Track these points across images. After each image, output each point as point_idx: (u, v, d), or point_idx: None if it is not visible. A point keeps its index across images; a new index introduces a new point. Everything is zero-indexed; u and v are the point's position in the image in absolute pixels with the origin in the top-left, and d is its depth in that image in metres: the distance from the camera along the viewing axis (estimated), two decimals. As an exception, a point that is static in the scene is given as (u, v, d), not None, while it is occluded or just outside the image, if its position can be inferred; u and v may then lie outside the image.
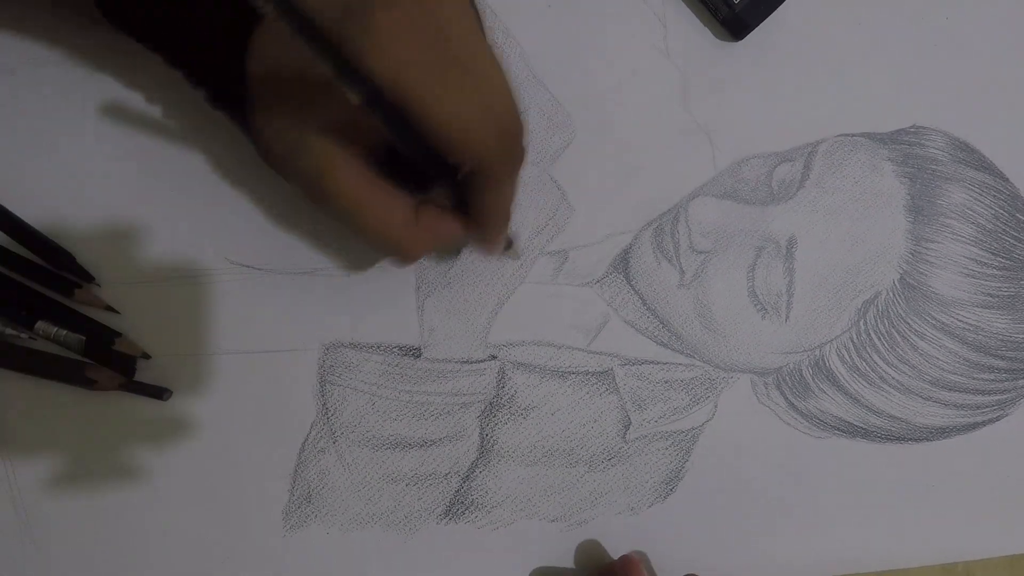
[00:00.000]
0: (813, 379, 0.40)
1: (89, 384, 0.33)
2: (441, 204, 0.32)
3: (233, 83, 0.31)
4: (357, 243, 0.37)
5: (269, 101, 0.31)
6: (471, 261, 0.38)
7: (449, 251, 0.37)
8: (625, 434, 0.38)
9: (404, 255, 0.33)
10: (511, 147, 0.30)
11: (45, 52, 0.36)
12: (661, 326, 0.39)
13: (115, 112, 0.35)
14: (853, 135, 0.42)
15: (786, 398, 0.40)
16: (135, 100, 0.36)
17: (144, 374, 0.35)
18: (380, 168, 0.31)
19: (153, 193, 0.36)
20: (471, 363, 0.37)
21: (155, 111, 0.36)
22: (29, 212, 0.35)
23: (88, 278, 0.35)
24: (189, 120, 0.36)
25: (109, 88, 0.36)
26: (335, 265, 0.37)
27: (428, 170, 0.31)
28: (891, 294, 0.40)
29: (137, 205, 0.36)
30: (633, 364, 0.39)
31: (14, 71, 0.36)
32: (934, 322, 0.40)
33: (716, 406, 0.39)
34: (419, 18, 0.26)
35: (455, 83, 0.27)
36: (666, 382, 0.39)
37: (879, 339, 0.40)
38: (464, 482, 0.37)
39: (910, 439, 0.41)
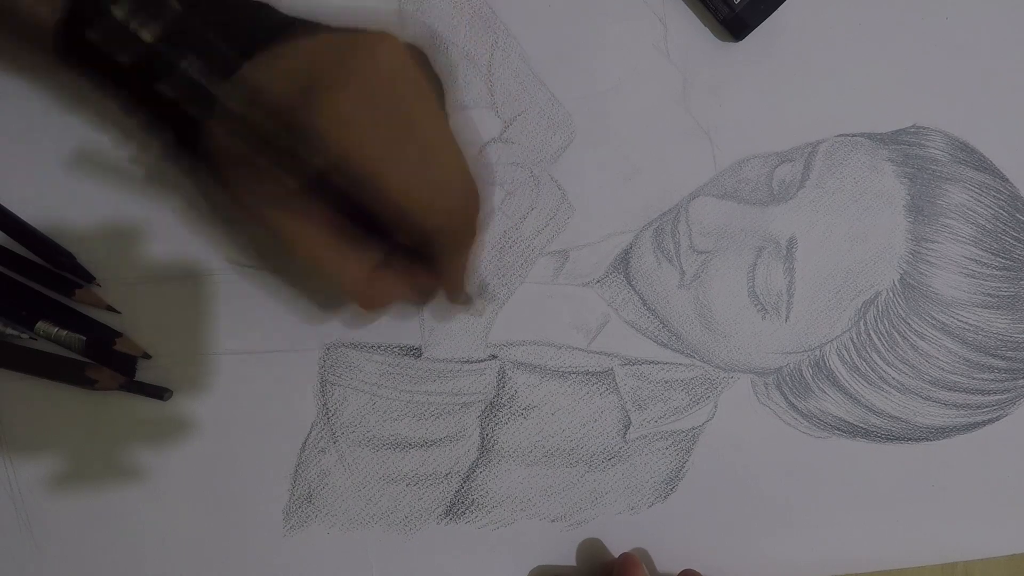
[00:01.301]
0: (813, 379, 0.40)
1: (90, 384, 0.33)
2: (402, 259, 0.33)
3: (188, 146, 0.31)
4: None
5: (226, 171, 0.31)
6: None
7: (412, 303, 0.37)
8: (625, 434, 0.38)
9: (361, 308, 0.33)
10: (462, 225, 0.31)
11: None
12: (661, 326, 0.39)
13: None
14: (853, 135, 0.42)
15: (786, 398, 0.40)
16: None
17: (145, 374, 0.35)
18: (346, 217, 0.31)
19: (154, 193, 0.36)
20: (472, 363, 0.37)
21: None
22: (29, 212, 0.35)
23: (88, 278, 0.35)
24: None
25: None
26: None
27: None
28: (891, 294, 0.40)
29: (138, 205, 0.36)
30: (633, 364, 0.39)
31: (14, 70, 0.35)
32: (934, 322, 0.40)
33: (716, 406, 0.39)
34: (372, 97, 0.27)
35: (406, 162, 0.28)
36: (666, 382, 0.39)
37: (879, 339, 0.40)
38: (464, 482, 0.37)
39: (910, 439, 0.41)
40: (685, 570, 0.37)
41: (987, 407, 0.41)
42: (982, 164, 0.42)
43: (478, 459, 0.37)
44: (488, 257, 0.38)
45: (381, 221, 0.30)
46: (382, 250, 0.32)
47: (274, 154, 0.28)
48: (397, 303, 0.35)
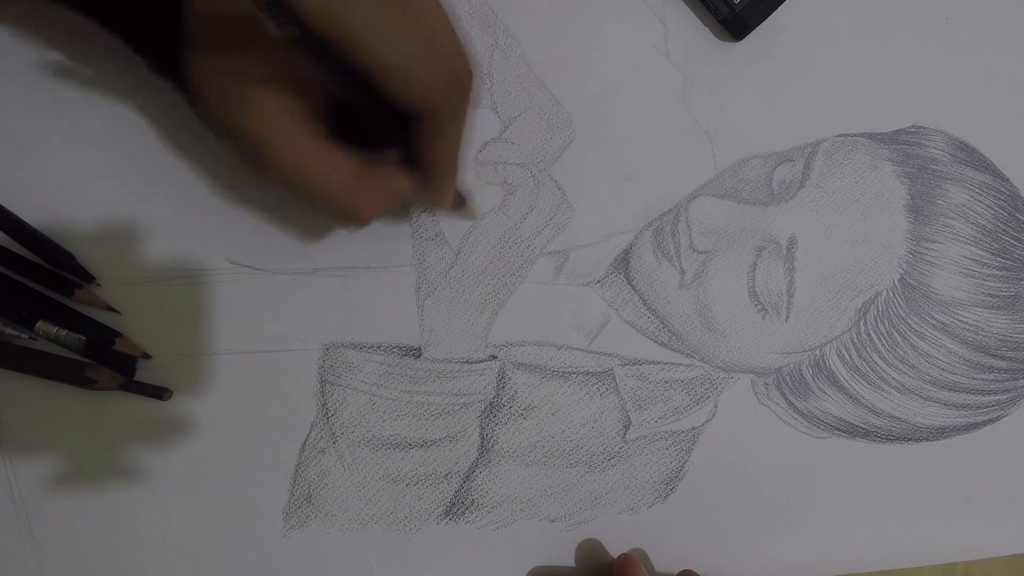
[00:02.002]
0: (813, 379, 0.40)
1: (89, 384, 0.33)
2: (385, 163, 0.32)
3: (170, 44, 0.30)
4: (341, 232, 0.37)
5: (207, 55, 0.29)
6: (471, 262, 0.38)
7: (399, 210, 0.36)
8: (625, 434, 0.38)
9: (351, 214, 0.32)
10: (455, 89, 0.29)
11: (46, 53, 0.36)
12: (661, 326, 0.39)
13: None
14: (853, 135, 0.42)
15: (786, 398, 0.40)
16: (136, 102, 0.36)
17: (144, 374, 0.35)
18: (325, 129, 0.30)
19: (153, 193, 0.36)
20: (471, 363, 0.37)
21: (152, 113, 0.36)
22: (29, 212, 0.35)
23: (88, 278, 0.35)
24: (195, 117, 0.36)
25: (110, 89, 0.36)
26: (335, 265, 0.37)
27: (372, 121, 0.30)
28: (891, 294, 0.40)
29: (137, 205, 0.36)
30: (633, 364, 0.39)
31: (14, 71, 0.35)
32: (934, 322, 0.40)
33: (716, 406, 0.39)
34: None
35: (397, 20, 0.26)
36: (666, 382, 0.39)
37: (879, 339, 0.40)
38: (464, 482, 0.37)
39: (910, 439, 0.41)
40: (683, 571, 0.37)
41: (987, 407, 0.41)
42: (982, 164, 0.42)
43: (478, 459, 0.37)
44: (487, 259, 0.38)
45: (369, 92, 0.27)
46: (363, 155, 0.31)
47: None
48: (383, 208, 0.33)
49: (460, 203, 0.36)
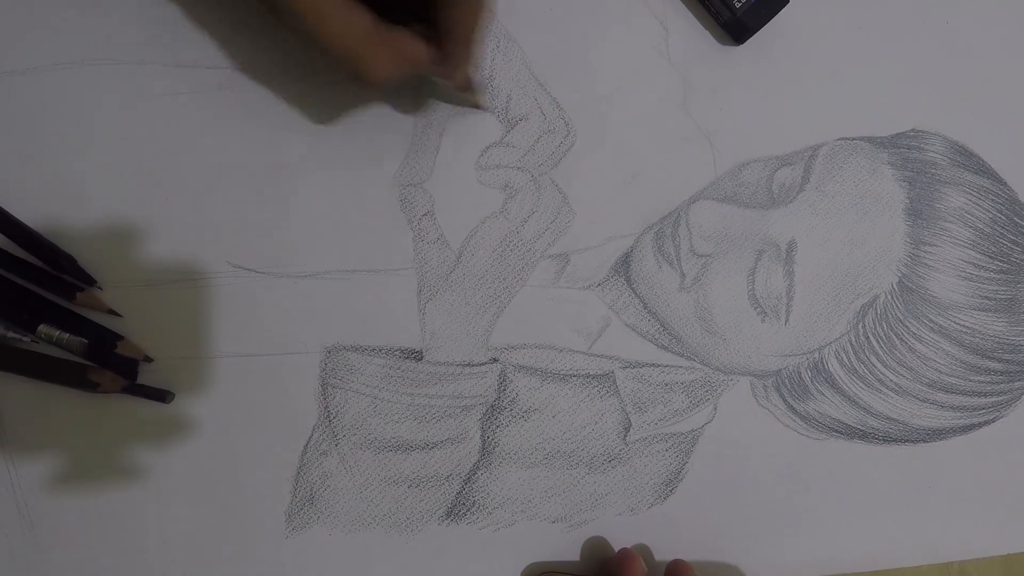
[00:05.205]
0: (812, 381, 0.40)
1: (92, 387, 0.33)
2: (399, 24, 0.31)
3: None
4: (341, 233, 0.37)
5: None
6: (473, 265, 0.38)
7: (412, 76, 0.35)
8: (625, 436, 0.39)
9: (364, 71, 0.31)
10: None
11: (46, 54, 0.36)
12: (662, 329, 0.39)
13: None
14: (853, 139, 0.42)
15: (785, 400, 0.40)
16: (137, 102, 0.36)
17: (146, 377, 0.35)
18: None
19: (155, 196, 0.36)
20: (473, 366, 0.37)
21: (162, 107, 0.36)
22: (31, 215, 0.35)
23: (90, 281, 0.35)
24: (195, 120, 0.36)
25: (111, 90, 0.36)
26: (337, 268, 0.37)
27: None
28: (889, 297, 0.40)
29: (139, 208, 0.36)
30: (633, 367, 0.39)
31: (14, 73, 0.35)
32: (932, 325, 0.41)
33: (716, 408, 0.39)
34: None
35: None
36: (666, 385, 0.39)
37: (877, 342, 0.40)
38: (465, 484, 0.37)
39: (907, 441, 0.41)
40: (675, 560, 0.37)
41: (983, 409, 0.42)
42: (981, 168, 0.42)
43: (479, 461, 0.37)
44: (488, 262, 0.38)
45: None
46: (376, 13, 0.31)
47: None
48: (395, 70, 0.32)
49: (470, 86, 0.36)
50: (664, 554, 0.39)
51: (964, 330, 0.41)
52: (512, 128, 0.39)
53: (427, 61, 0.33)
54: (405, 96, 0.38)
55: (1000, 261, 0.42)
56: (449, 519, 0.37)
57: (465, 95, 0.37)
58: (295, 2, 0.30)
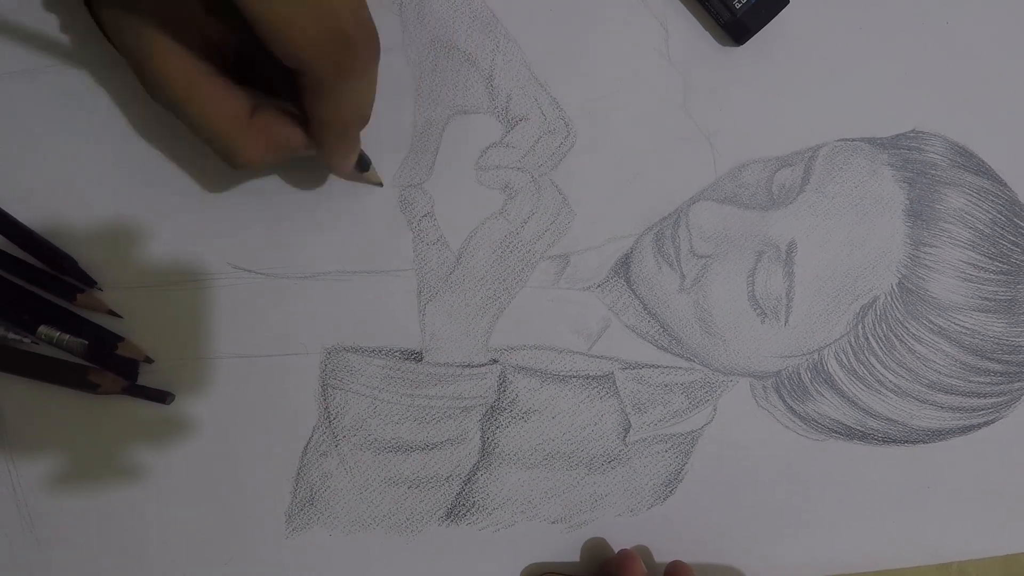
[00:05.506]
0: (811, 382, 0.40)
1: (92, 388, 0.33)
2: (280, 109, 0.31)
3: None
4: (341, 234, 0.37)
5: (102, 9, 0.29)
6: (472, 266, 0.38)
7: (286, 161, 0.34)
8: (625, 437, 0.39)
9: (235, 155, 0.31)
10: (339, 50, 0.27)
11: (46, 54, 0.36)
12: (661, 330, 0.39)
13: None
14: (853, 140, 0.42)
15: (784, 401, 0.40)
16: (136, 104, 0.36)
17: (147, 378, 0.35)
18: (222, 70, 0.30)
19: (155, 197, 0.36)
20: (472, 367, 0.37)
21: (154, 115, 0.36)
22: (31, 216, 0.35)
23: (90, 282, 0.35)
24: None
25: (111, 90, 0.36)
26: (337, 269, 0.37)
27: (261, 69, 0.29)
28: (889, 298, 0.40)
29: (139, 209, 0.36)
30: (633, 368, 0.39)
31: (13, 73, 0.35)
32: (931, 326, 0.41)
33: (715, 409, 0.39)
34: None
35: None
36: (666, 386, 0.39)
37: (877, 343, 0.40)
38: (465, 484, 0.37)
39: (906, 441, 0.41)
40: (674, 561, 0.37)
41: (983, 410, 0.42)
42: (981, 169, 0.42)
43: (479, 462, 0.37)
44: (488, 263, 0.38)
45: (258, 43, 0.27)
46: (259, 101, 0.31)
47: None
48: (268, 155, 0.32)
49: (361, 169, 0.35)
50: (664, 555, 0.39)
51: (964, 331, 0.41)
52: (512, 128, 0.39)
53: (303, 147, 0.32)
54: (307, 168, 0.37)
55: (1000, 262, 0.42)
56: (449, 520, 0.37)
57: (358, 177, 0.36)
58: (165, 79, 0.29)
